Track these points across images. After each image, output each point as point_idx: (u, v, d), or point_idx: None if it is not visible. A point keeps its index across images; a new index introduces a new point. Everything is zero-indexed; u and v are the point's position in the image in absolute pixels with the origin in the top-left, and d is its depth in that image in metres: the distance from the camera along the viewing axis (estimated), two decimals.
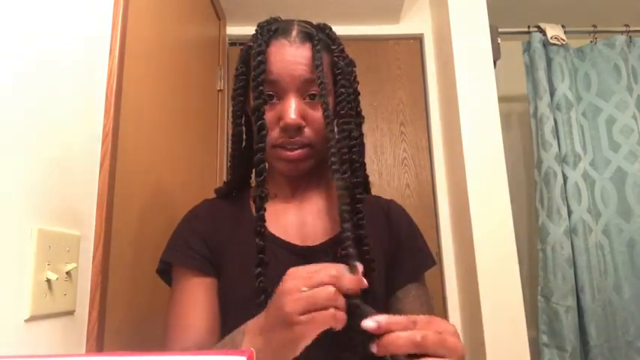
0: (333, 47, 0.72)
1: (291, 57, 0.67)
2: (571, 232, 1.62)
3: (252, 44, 0.71)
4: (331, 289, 0.47)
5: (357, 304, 0.48)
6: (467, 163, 1.54)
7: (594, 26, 1.82)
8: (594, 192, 1.69)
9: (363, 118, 0.79)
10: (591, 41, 1.83)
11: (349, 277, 0.48)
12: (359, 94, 0.77)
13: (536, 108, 1.73)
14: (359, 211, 0.67)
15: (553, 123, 1.70)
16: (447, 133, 1.76)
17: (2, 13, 0.57)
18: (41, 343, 0.61)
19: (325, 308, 0.46)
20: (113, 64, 0.81)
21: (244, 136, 0.78)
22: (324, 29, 0.75)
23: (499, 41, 1.69)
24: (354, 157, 0.69)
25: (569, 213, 1.63)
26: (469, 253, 1.51)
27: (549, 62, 1.77)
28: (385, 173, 1.82)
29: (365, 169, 0.78)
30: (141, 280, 0.94)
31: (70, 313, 0.68)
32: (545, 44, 1.79)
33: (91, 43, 0.77)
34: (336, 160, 0.60)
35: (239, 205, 0.77)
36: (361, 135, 0.76)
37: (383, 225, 0.78)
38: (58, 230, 0.65)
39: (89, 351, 0.71)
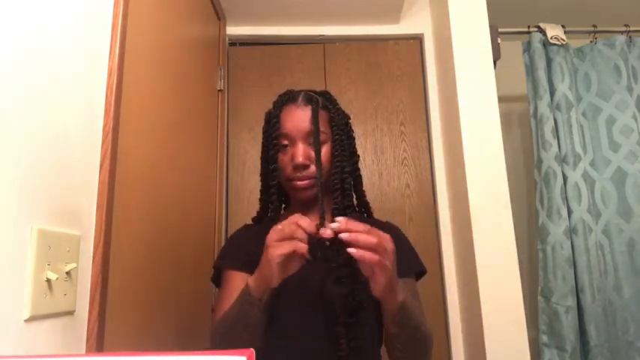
0: (330, 107, 0.96)
1: (297, 116, 0.92)
2: (571, 232, 1.61)
3: (271, 110, 0.96)
4: (294, 226, 0.70)
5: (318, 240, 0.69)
6: (467, 163, 1.54)
7: (594, 26, 1.82)
8: (594, 192, 1.69)
9: (358, 156, 1.01)
10: (591, 41, 1.83)
11: (306, 220, 0.70)
12: (354, 139, 0.99)
13: (536, 108, 1.73)
14: None
15: (553, 123, 1.70)
16: (447, 133, 1.76)
17: (1, 12, 0.57)
18: (41, 343, 0.61)
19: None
20: (113, 64, 0.81)
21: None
22: (325, 94, 0.99)
23: (499, 41, 1.69)
24: (345, 185, 0.90)
25: (569, 213, 1.63)
26: (469, 253, 1.51)
27: (549, 62, 1.77)
28: (385, 173, 1.82)
29: (364, 195, 1.00)
30: (141, 280, 0.94)
31: (70, 313, 0.68)
32: (545, 44, 1.79)
33: (91, 43, 0.77)
34: (337, 189, 0.88)
35: (269, 226, 0.94)
36: (356, 169, 0.99)
37: None
38: (58, 230, 0.65)
39: (89, 351, 0.71)
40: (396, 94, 1.89)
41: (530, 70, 1.79)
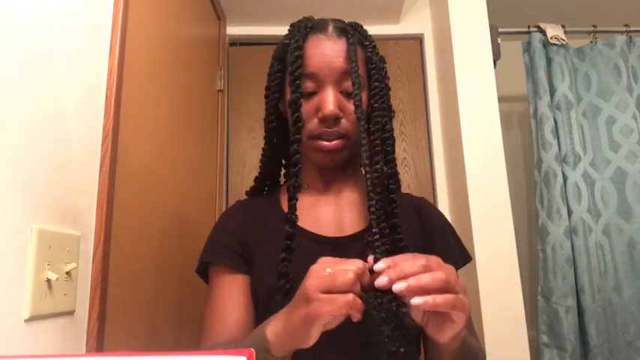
0: (366, 43, 0.75)
1: (329, 51, 0.70)
2: (571, 232, 1.61)
3: (287, 41, 0.75)
4: (351, 274, 0.49)
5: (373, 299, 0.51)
6: (467, 163, 1.54)
7: (594, 26, 1.82)
8: (594, 192, 1.69)
9: (394, 112, 0.80)
10: (591, 41, 1.83)
11: (360, 265, 0.51)
12: (389, 89, 0.79)
13: (536, 108, 1.73)
14: (392, 200, 0.71)
15: (553, 123, 1.70)
16: (447, 133, 1.76)
17: (3, 13, 0.57)
18: (41, 343, 0.61)
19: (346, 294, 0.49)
20: (113, 64, 0.81)
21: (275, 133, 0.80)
22: (356, 27, 0.78)
23: (499, 41, 1.69)
24: (387, 149, 0.72)
25: (569, 213, 1.63)
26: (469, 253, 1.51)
27: (549, 62, 1.77)
28: None
29: (395, 164, 0.80)
30: (141, 280, 0.94)
31: (70, 313, 0.68)
32: (545, 44, 1.79)
33: (91, 43, 0.77)
34: (367, 151, 0.63)
35: (270, 202, 0.79)
36: (392, 129, 0.78)
37: (414, 220, 0.78)
38: (58, 230, 0.65)
39: (89, 351, 0.71)
40: (396, 94, 1.89)
41: (530, 70, 1.79)
